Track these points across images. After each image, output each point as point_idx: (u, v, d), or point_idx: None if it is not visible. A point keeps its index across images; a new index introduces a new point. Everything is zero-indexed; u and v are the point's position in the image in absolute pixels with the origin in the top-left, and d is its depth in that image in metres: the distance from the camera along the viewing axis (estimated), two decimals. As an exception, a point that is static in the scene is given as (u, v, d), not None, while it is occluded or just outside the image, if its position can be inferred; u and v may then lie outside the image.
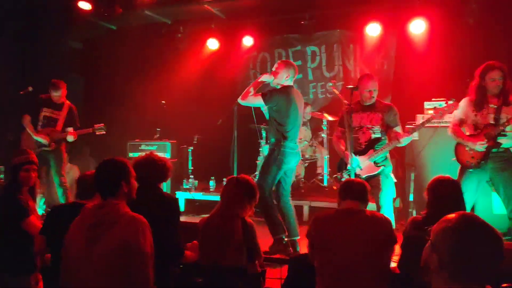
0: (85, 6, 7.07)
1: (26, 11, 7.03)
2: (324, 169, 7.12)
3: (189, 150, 7.44)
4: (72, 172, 6.58)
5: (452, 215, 1.51)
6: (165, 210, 2.89)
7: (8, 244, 3.04)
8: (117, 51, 8.35)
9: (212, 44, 8.19)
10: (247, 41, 8.13)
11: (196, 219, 4.98)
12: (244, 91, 4.45)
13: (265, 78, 4.52)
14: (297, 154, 4.51)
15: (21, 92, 5.70)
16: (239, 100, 4.48)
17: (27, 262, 3.02)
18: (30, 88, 5.73)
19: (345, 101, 4.24)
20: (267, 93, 4.39)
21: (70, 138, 5.64)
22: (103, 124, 5.78)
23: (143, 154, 3.17)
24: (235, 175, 3.21)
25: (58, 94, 5.66)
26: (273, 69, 4.57)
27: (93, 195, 2.95)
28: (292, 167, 4.54)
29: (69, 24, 7.65)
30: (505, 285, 1.98)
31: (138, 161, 3.02)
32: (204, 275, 2.90)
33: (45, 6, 7.05)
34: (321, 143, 7.40)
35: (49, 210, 3.18)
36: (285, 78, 4.47)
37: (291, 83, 4.51)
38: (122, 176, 2.39)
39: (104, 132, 5.79)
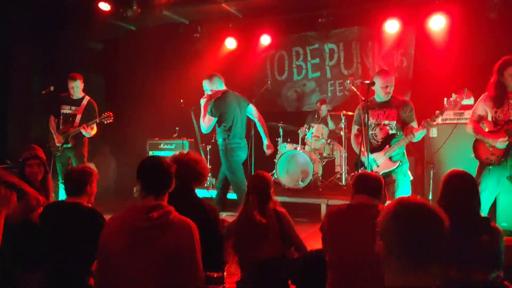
0: (105, 7, 7.20)
1: (47, 12, 7.19)
2: (342, 168, 7.07)
3: (207, 148, 7.48)
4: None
5: (389, 204, 1.55)
6: (207, 217, 2.70)
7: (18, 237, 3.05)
8: (136, 52, 8.47)
9: (230, 43, 8.24)
10: (265, 39, 8.14)
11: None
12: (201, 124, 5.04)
13: (202, 101, 5.11)
14: (244, 147, 5.21)
15: (43, 92, 5.82)
16: (204, 131, 5.16)
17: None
18: (52, 88, 5.83)
19: (362, 98, 4.21)
20: (210, 109, 4.98)
21: (86, 133, 5.64)
22: (109, 112, 5.72)
23: (177, 152, 2.99)
24: (260, 171, 3.23)
25: (75, 85, 5.69)
26: (207, 91, 5.14)
27: (81, 193, 2.91)
28: (242, 161, 5.13)
29: (89, 25, 7.78)
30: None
31: (176, 159, 2.80)
32: (245, 272, 2.90)
33: (66, 7, 7.19)
34: (339, 141, 7.35)
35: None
36: (216, 88, 5.09)
37: (224, 87, 5.16)
38: (174, 173, 2.30)
39: (111, 120, 5.69)
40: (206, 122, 5.01)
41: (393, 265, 1.46)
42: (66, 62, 7.46)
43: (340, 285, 2.58)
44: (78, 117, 5.71)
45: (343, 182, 6.98)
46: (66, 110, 5.78)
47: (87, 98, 5.83)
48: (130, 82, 8.56)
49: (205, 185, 7.12)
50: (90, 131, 5.67)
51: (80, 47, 8.15)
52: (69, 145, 5.68)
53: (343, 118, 7.08)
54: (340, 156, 7.20)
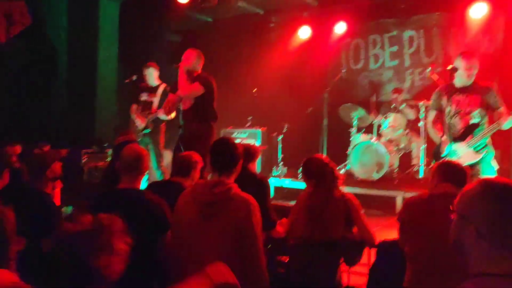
0: (183, -1, 7.44)
1: (130, 5, 7.58)
2: (420, 160, 6.77)
3: (279, 138, 7.52)
4: (166, 155, 6.92)
5: (471, 185, 1.47)
6: (256, 187, 2.96)
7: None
8: (213, 43, 8.67)
9: (304, 32, 8.17)
10: (340, 28, 7.97)
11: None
12: (181, 85, 4.74)
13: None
14: None
15: (127, 81, 6.16)
16: (182, 96, 4.78)
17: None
18: (134, 77, 6.14)
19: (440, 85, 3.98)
20: (201, 80, 4.74)
21: (162, 116, 5.77)
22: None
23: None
24: (317, 154, 3.25)
25: (147, 73, 5.94)
26: (185, 58, 4.81)
27: (189, 174, 3.11)
28: None
29: (168, 17, 8.11)
30: None
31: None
32: (306, 251, 2.91)
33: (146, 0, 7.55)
34: (417, 132, 7.02)
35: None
36: (198, 65, 4.89)
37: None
38: (240, 156, 2.48)
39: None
40: (195, 91, 4.79)
41: (483, 247, 1.38)
42: (147, 53, 7.84)
43: (422, 277, 2.48)
44: (156, 104, 5.95)
45: (421, 175, 6.67)
46: (144, 97, 6.06)
47: (163, 85, 6.06)
48: (208, 73, 8.79)
49: (277, 173, 7.17)
50: (169, 114, 5.60)
51: (160, 39, 8.52)
52: (148, 130, 5.94)
53: (422, 108, 6.75)
54: (418, 148, 6.88)
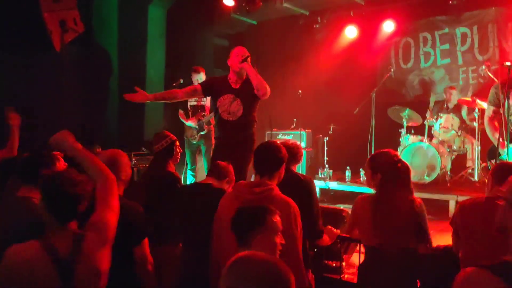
0: (229, 2, 7.51)
1: (176, 9, 7.73)
2: (475, 162, 6.44)
3: (324, 139, 7.41)
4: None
5: None
6: (301, 189, 2.88)
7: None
8: (258, 45, 8.67)
9: (351, 32, 8.03)
10: (388, 26, 7.77)
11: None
12: (263, 85, 4.15)
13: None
14: None
15: (174, 84, 6.26)
16: (264, 97, 4.25)
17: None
18: (181, 80, 6.24)
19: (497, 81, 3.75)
20: None
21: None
22: None
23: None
24: (390, 150, 2.86)
25: (199, 78, 5.98)
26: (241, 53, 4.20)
27: (222, 179, 3.07)
28: None
29: (214, 22, 8.20)
30: None
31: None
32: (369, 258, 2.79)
33: (194, 4, 7.66)
34: (472, 133, 6.69)
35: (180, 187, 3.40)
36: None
37: None
38: (284, 159, 2.52)
39: None
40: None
41: None
42: (194, 58, 7.96)
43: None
44: (207, 107, 6.02)
45: (476, 178, 6.34)
46: (193, 102, 6.14)
47: None
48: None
49: (322, 176, 7.05)
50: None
51: (206, 43, 8.63)
52: (204, 132, 6.01)
53: (476, 108, 6.43)
54: (473, 150, 6.56)
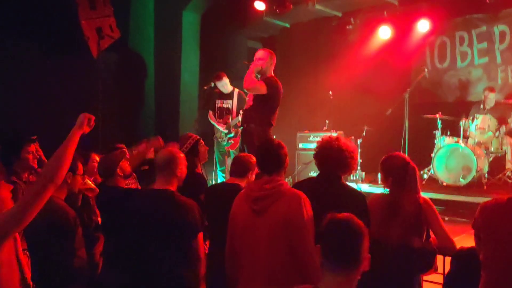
0: (260, 6, 7.59)
1: (209, 16, 7.90)
2: (514, 164, 6.22)
3: (358, 141, 7.33)
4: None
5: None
6: (352, 207, 2.64)
7: None
8: (291, 48, 8.73)
9: (384, 32, 7.92)
10: (423, 26, 7.61)
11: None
12: (247, 77, 4.52)
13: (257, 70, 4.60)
14: None
15: (205, 87, 6.41)
16: (244, 88, 4.69)
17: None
18: (212, 84, 6.36)
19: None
20: (266, 81, 4.50)
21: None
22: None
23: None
24: (399, 153, 2.98)
25: (222, 84, 6.11)
26: (257, 58, 4.66)
27: (245, 175, 3.12)
28: None
29: (246, 25, 8.30)
30: None
31: (320, 144, 2.81)
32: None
33: (227, 9, 7.80)
34: (510, 134, 6.46)
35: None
36: (271, 66, 4.66)
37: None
38: (286, 154, 2.57)
39: None
40: (259, 86, 4.55)
41: None
42: (227, 61, 8.10)
43: (496, 286, 2.29)
44: (234, 108, 6.13)
45: (514, 181, 6.13)
46: (220, 103, 6.26)
47: (236, 90, 6.21)
48: (285, 78, 8.82)
49: (354, 178, 6.99)
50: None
51: (239, 47, 8.76)
52: (232, 134, 6.13)
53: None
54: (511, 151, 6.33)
